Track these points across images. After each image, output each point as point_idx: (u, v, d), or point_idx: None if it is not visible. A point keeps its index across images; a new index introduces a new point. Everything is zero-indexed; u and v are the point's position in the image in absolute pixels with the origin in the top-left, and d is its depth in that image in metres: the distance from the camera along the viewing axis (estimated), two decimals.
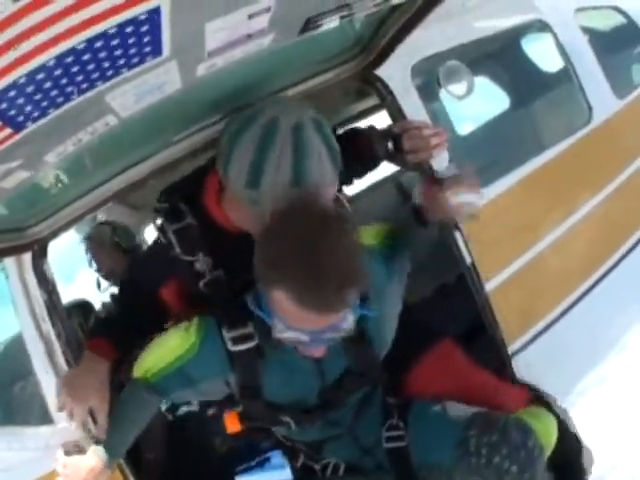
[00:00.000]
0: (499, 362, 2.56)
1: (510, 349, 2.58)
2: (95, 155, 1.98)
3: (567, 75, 3.00)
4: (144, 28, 1.20)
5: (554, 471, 2.21)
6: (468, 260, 2.49)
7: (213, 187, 2.10)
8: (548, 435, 2.14)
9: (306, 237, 1.64)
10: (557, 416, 2.26)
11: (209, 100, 2.11)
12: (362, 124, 3.33)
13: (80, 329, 3.26)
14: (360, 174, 2.54)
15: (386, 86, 2.49)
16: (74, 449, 2.11)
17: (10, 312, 2.40)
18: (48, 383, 2.34)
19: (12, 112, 1.24)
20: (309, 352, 1.81)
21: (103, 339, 2.20)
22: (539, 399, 2.37)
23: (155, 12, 1.15)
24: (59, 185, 2.06)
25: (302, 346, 1.80)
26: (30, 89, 1.19)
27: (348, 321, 1.72)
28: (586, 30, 3.20)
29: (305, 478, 2.33)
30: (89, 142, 1.72)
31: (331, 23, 1.79)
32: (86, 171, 2.14)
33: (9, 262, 2.36)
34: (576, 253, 2.86)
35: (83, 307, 3.62)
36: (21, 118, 1.29)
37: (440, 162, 2.46)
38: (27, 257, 2.36)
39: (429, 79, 2.67)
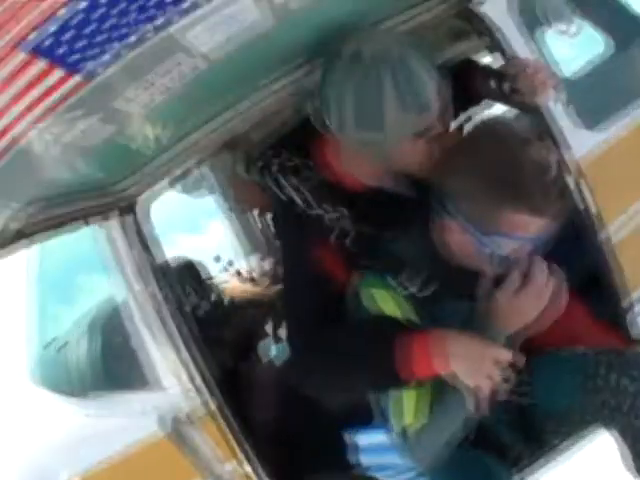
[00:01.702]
0: (614, 317, 2.40)
1: (627, 302, 2.41)
2: (181, 101, 1.86)
3: None
4: None
5: None
6: (584, 205, 2.33)
7: (330, 143, 2.02)
8: None
9: (509, 152, 1.73)
10: None
11: (303, 34, 1.97)
12: None
13: (183, 291, 3.28)
14: (465, 109, 2.41)
15: (484, 22, 2.33)
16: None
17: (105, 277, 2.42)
18: (148, 347, 2.35)
19: (75, 56, 1.16)
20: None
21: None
22: None
23: None
24: (148, 139, 1.99)
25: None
26: (90, 28, 1.10)
27: None
28: None
29: None
30: (176, 89, 1.63)
31: None
32: (173, 120, 2.05)
33: (103, 225, 2.33)
34: None
35: (187, 267, 3.53)
36: (87, 63, 1.21)
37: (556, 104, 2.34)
38: (117, 218, 2.33)
39: (531, 16, 2.50)
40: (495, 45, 2.35)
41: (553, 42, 2.83)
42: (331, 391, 1.99)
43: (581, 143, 2.37)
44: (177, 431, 2.35)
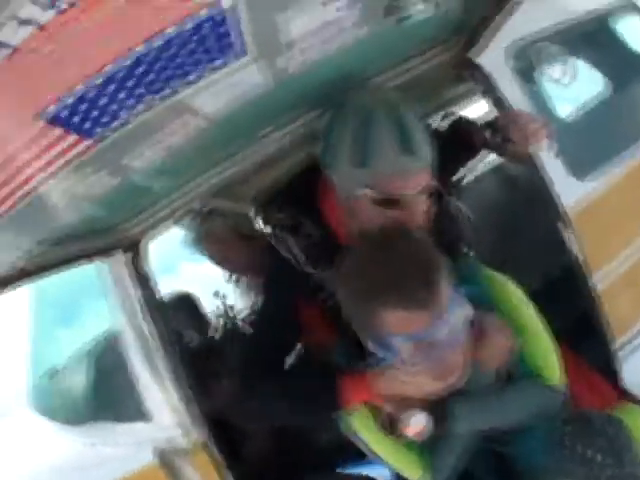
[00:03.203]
0: (605, 365, 2.43)
1: (618, 350, 2.45)
2: (185, 155, 1.93)
3: None
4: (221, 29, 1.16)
5: None
6: (575, 252, 2.37)
7: (329, 189, 2.01)
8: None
9: (381, 257, 1.70)
10: None
11: (303, 93, 2.03)
12: (465, 108, 3.30)
13: (177, 325, 3.32)
14: (462, 163, 2.51)
15: (480, 70, 2.38)
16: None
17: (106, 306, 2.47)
18: (144, 380, 2.39)
19: (88, 124, 1.24)
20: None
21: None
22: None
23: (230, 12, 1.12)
24: (151, 186, 2.06)
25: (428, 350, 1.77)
26: (104, 100, 1.18)
27: (454, 311, 1.73)
28: None
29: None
30: (179, 145, 1.71)
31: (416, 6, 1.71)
32: (177, 171, 2.12)
33: (105, 261, 2.40)
34: None
35: (185, 300, 3.61)
36: (98, 129, 1.29)
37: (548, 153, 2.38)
38: (122, 256, 2.39)
39: (526, 62, 2.54)
40: (490, 91, 2.39)
41: (551, 86, 2.88)
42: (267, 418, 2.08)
43: (571, 192, 2.40)
44: (170, 462, 2.39)
